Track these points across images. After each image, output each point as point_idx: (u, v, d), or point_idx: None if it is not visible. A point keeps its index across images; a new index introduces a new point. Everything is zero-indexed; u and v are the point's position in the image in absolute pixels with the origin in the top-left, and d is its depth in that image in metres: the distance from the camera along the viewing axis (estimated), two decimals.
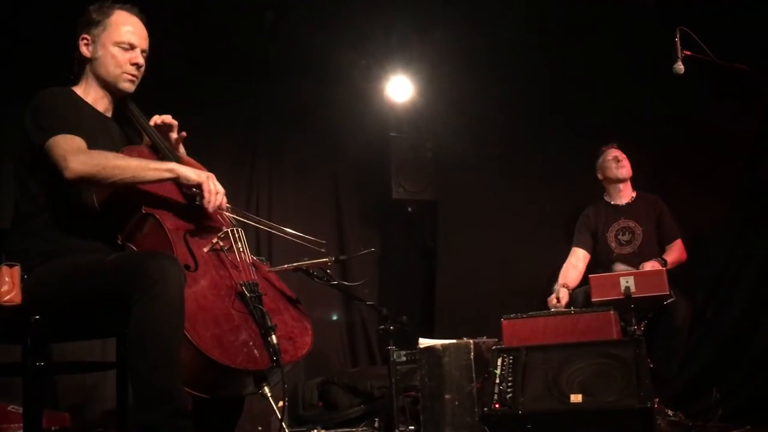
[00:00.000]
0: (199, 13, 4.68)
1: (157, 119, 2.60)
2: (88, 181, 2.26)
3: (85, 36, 2.48)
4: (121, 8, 2.51)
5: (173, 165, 2.34)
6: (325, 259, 2.68)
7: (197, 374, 2.11)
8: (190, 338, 2.06)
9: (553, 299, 4.10)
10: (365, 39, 5.25)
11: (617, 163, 4.42)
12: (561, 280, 4.29)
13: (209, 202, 2.33)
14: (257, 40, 5.13)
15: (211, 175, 2.38)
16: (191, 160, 2.63)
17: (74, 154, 2.23)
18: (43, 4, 3.98)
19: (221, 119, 5.12)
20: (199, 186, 2.33)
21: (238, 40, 5.02)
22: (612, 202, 4.49)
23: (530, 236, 5.03)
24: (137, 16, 2.53)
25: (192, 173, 2.33)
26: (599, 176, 4.55)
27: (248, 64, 5.17)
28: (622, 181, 4.45)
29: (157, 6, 4.18)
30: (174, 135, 2.63)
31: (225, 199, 2.41)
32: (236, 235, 2.43)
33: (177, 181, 2.34)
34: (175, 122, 2.63)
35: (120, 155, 2.33)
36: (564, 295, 4.12)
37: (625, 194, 4.48)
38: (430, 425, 3.38)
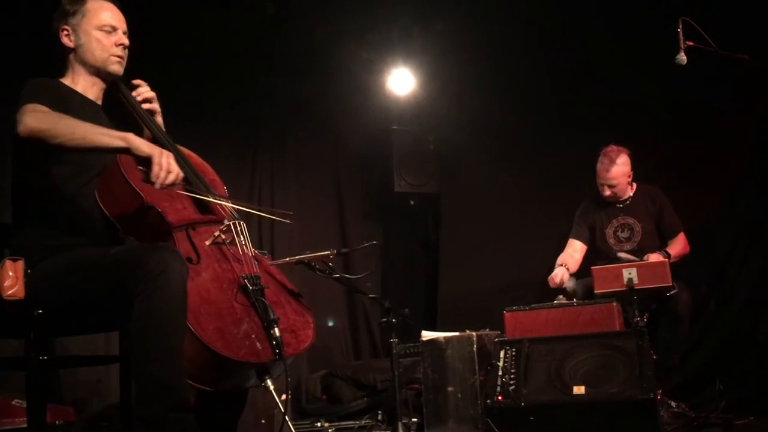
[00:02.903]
0: (201, 7, 4.67)
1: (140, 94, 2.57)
2: (38, 138, 2.16)
3: (65, 27, 2.48)
4: None
5: (127, 134, 2.22)
6: (327, 252, 2.68)
7: (200, 367, 2.11)
8: (194, 331, 2.06)
9: (554, 277, 4.10)
10: (366, 32, 5.24)
11: (601, 188, 4.28)
12: (560, 261, 4.28)
13: (157, 177, 2.16)
14: (259, 33, 5.12)
15: (167, 153, 2.21)
16: (191, 153, 2.63)
17: (32, 111, 2.19)
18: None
19: (223, 113, 5.11)
20: (149, 159, 2.17)
21: (240, 33, 5.01)
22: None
23: (532, 228, 5.02)
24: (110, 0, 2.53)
25: (145, 145, 2.20)
26: (597, 181, 4.36)
27: (250, 58, 5.16)
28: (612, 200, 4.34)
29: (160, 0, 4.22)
30: (158, 116, 2.61)
31: (178, 177, 2.23)
32: (238, 228, 2.43)
33: (129, 152, 2.20)
34: (152, 94, 2.59)
35: (76, 119, 2.24)
36: (564, 273, 4.12)
37: (622, 195, 4.35)
38: (433, 418, 3.38)
